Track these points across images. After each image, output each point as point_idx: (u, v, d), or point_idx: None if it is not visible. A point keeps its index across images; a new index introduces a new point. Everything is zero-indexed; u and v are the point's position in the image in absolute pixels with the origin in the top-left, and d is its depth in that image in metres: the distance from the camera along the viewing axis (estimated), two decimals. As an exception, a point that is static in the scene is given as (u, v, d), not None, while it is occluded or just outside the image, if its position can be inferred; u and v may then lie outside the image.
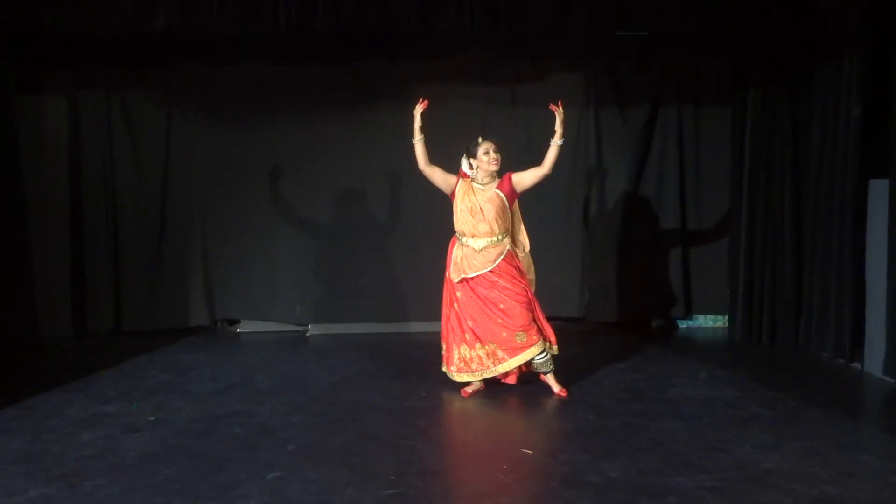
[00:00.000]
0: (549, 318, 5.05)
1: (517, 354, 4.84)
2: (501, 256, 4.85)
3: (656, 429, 4.27)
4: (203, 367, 5.68)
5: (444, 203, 6.82)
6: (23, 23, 5.46)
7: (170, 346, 6.34)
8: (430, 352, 6.04)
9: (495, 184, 4.93)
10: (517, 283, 4.88)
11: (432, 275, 6.75)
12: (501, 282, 4.85)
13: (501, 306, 4.84)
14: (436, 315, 6.81)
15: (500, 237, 4.89)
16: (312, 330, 6.88)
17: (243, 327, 6.98)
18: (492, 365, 4.88)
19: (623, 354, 5.97)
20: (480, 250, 4.87)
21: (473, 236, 4.89)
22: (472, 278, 4.89)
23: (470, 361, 4.92)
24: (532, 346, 4.83)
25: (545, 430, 4.55)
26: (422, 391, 5.05)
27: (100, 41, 6.29)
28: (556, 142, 4.83)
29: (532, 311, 4.90)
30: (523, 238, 5.10)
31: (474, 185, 4.94)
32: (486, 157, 4.86)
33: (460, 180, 4.99)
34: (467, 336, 4.91)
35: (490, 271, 4.85)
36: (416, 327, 6.84)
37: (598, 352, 6.08)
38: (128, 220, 6.74)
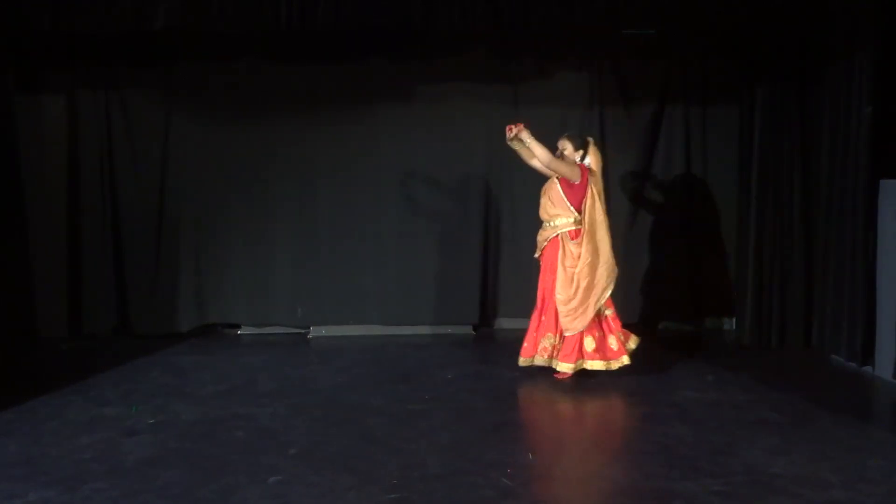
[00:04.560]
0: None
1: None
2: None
3: (663, 432, 4.22)
4: (204, 370, 5.64)
5: (446, 203, 6.83)
6: (21, 21, 5.43)
7: (170, 348, 6.29)
8: (432, 354, 6.01)
9: None
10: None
11: (435, 276, 6.75)
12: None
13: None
14: (437, 318, 6.81)
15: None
16: (314, 332, 6.83)
17: (244, 329, 6.92)
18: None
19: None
20: None
21: None
22: None
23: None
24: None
25: (550, 433, 4.51)
26: (424, 394, 4.99)
27: (99, 39, 6.25)
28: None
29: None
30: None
31: None
32: None
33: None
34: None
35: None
36: (419, 329, 6.78)
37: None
38: (126, 220, 6.68)
